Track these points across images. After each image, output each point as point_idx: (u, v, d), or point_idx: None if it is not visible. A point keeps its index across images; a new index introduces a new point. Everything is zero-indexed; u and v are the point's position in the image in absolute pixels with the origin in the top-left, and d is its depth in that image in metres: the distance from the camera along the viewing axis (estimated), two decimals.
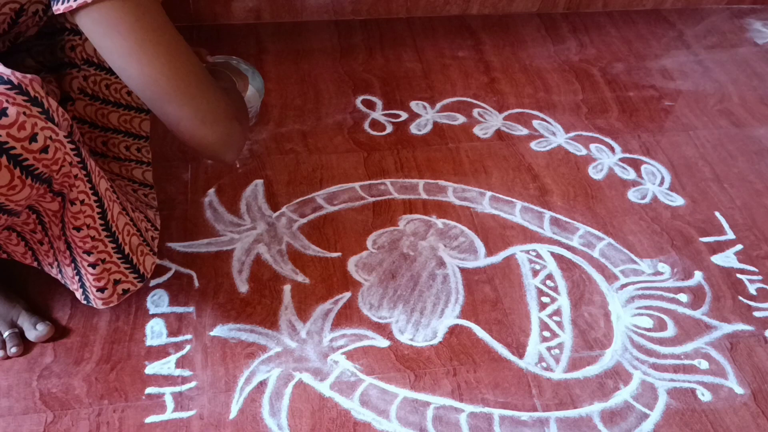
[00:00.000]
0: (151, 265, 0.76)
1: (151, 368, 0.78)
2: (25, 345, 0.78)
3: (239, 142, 0.73)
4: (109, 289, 0.72)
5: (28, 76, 0.57)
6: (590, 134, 1.16)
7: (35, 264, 0.74)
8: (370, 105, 1.16)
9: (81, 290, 0.73)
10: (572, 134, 1.16)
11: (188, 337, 0.81)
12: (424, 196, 1.02)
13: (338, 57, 1.25)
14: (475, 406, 0.78)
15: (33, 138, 0.56)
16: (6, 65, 0.57)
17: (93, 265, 0.69)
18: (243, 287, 0.87)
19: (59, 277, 0.75)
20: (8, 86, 0.55)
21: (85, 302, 0.74)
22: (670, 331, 0.88)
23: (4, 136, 0.54)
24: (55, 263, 0.73)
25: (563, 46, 1.35)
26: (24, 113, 0.55)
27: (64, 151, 0.60)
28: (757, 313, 0.91)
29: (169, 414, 0.74)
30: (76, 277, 0.72)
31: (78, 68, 0.75)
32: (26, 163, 0.56)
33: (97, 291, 0.72)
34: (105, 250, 0.69)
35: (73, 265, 0.71)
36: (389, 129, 1.12)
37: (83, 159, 0.63)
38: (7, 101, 0.54)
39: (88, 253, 0.68)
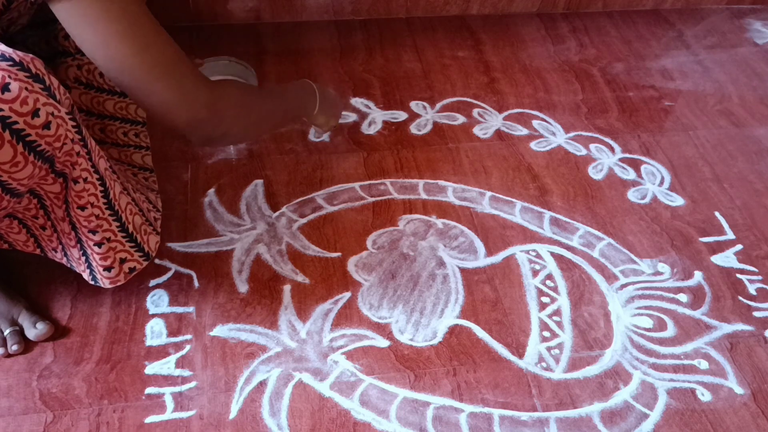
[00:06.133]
0: (155, 244, 0.77)
1: (151, 368, 0.78)
2: (26, 344, 0.78)
3: (215, 129, 0.74)
4: (115, 268, 0.73)
5: (30, 54, 0.58)
6: (590, 134, 1.16)
7: (38, 251, 0.74)
8: (370, 105, 1.16)
9: (88, 271, 0.74)
10: (572, 134, 1.15)
11: (188, 337, 0.81)
12: (423, 196, 1.01)
13: (338, 57, 1.25)
14: (475, 406, 0.78)
15: (35, 113, 0.56)
16: None
17: (99, 244, 0.70)
18: (243, 287, 0.87)
19: (64, 260, 0.75)
20: (10, 63, 0.56)
21: (92, 282, 0.75)
22: (670, 331, 0.88)
23: (6, 110, 0.55)
24: (60, 247, 0.73)
25: (563, 46, 1.35)
26: (26, 89, 0.56)
27: (66, 128, 0.60)
28: (756, 313, 0.91)
29: (169, 414, 0.74)
30: (83, 258, 0.72)
31: (72, 57, 0.75)
32: (29, 139, 0.57)
33: (104, 270, 0.72)
34: (109, 229, 0.70)
35: (78, 246, 0.71)
36: (389, 129, 1.12)
37: (84, 137, 0.63)
38: (9, 77, 0.55)
39: (93, 232, 0.68)
